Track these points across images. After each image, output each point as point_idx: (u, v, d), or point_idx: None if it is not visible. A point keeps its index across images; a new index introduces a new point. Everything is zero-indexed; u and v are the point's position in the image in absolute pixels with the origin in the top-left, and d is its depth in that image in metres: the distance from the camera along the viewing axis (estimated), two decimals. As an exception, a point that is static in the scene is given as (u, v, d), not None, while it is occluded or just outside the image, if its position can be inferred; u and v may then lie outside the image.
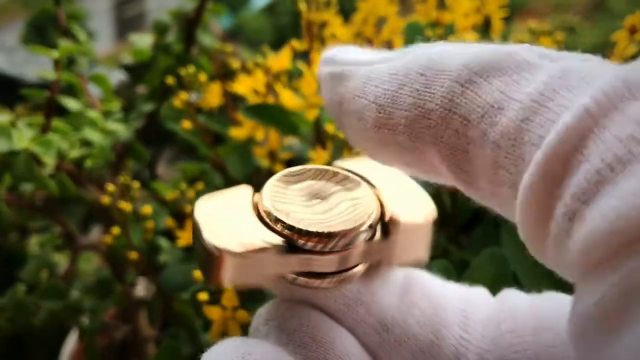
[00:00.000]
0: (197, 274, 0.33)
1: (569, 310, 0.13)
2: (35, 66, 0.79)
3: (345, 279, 0.17)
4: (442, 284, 0.18)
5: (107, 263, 0.48)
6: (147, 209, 0.40)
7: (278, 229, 0.16)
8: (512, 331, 0.17)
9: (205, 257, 0.15)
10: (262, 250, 0.15)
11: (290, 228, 0.16)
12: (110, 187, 0.38)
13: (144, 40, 0.45)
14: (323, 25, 0.35)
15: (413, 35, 0.44)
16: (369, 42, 0.47)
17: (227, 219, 0.16)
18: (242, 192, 0.17)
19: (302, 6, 0.35)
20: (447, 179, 0.15)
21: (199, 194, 0.41)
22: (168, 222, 0.40)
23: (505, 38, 0.48)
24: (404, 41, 0.47)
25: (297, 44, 0.36)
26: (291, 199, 0.17)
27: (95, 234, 0.58)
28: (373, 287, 0.17)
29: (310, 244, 0.16)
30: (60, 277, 0.49)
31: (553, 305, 0.17)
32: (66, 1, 0.47)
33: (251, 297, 0.34)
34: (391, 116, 0.15)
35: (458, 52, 0.14)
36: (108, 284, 0.48)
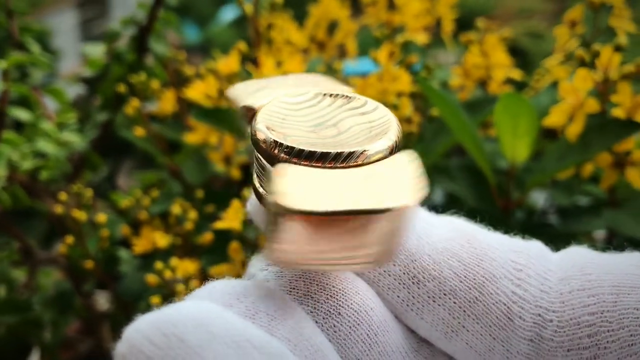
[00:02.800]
0: (151, 279, 0.33)
1: None
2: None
3: None
4: (486, 232, 0.15)
5: (66, 276, 0.48)
6: (101, 217, 0.39)
7: (279, 157, 0.14)
8: (584, 289, 0.14)
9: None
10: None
11: (289, 151, 0.14)
12: (63, 195, 0.38)
13: (96, 50, 0.44)
14: (270, 26, 0.36)
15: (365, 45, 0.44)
16: (321, 45, 0.47)
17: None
18: None
19: (248, 9, 0.36)
20: None
21: (154, 201, 0.41)
22: (124, 229, 0.40)
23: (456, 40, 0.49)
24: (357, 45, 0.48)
25: (243, 47, 0.36)
26: (293, 124, 0.15)
27: (56, 249, 0.58)
28: None
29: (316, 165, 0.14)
30: (18, 292, 0.49)
31: (635, 262, 0.14)
32: (25, 17, 0.47)
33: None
34: None
35: None
36: (68, 297, 0.47)
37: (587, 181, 0.36)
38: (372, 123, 0.15)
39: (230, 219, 0.31)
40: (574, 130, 0.31)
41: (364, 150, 0.14)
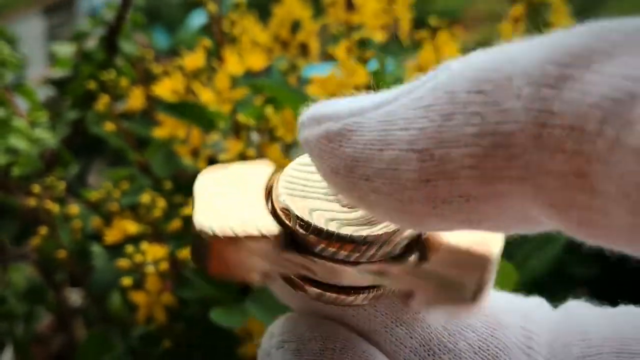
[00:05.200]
0: (122, 262, 0.34)
1: None
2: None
3: (384, 294, 0.13)
4: (497, 296, 0.15)
5: (37, 270, 0.49)
6: (73, 208, 0.41)
7: (295, 228, 0.13)
8: (584, 356, 0.14)
9: (195, 239, 0.13)
10: (256, 239, 0.12)
11: (317, 232, 0.12)
12: (36, 188, 0.39)
13: (65, 49, 0.46)
14: (233, 24, 0.38)
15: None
16: (285, 44, 0.50)
17: (230, 198, 0.13)
18: (258, 170, 0.14)
19: (212, 7, 0.38)
20: (546, 224, 0.11)
21: (124, 194, 0.43)
22: (95, 221, 0.41)
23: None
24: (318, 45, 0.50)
25: (207, 43, 0.38)
26: (313, 190, 0.13)
27: (28, 246, 0.59)
28: None
29: (343, 253, 0.12)
30: (-9, 287, 0.50)
31: (636, 324, 0.14)
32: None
33: (179, 282, 0.36)
34: (445, 159, 0.11)
35: (521, 51, 0.10)
36: (39, 291, 0.48)
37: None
38: None
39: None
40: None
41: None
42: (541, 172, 0.10)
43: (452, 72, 0.11)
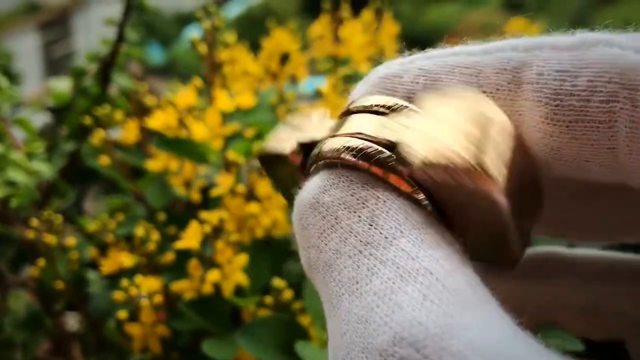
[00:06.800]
0: (118, 295, 0.36)
1: None
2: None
3: None
4: None
5: (36, 298, 0.50)
6: (70, 240, 0.42)
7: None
8: None
9: None
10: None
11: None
12: (35, 222, 0.40)
13: (62, 85, 0.48)
14: (221, 64, 0.39)
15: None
16: (274, 76, 0.51)
17: None
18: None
19: (202, 48, 0.39)
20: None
21: (119, 224, 0.44)
22: (91, 252, 0.43)
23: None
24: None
25: (198, 82, 0.40)
26: None
27: (26, 273, 0.60)
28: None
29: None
30: (-10, 314, 0.51)
31: None
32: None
33: (173, 314, 0.37)
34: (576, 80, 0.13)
35: None
36: (38, 318, 0.50)
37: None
38: None
39: (189, 239, 0.34)
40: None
41: None
42: None
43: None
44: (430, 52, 0.16)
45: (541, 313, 0.19)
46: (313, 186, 0.14)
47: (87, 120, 0.44)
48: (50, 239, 0.40)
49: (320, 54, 0.49)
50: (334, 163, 0.14)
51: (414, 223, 0.13)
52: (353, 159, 0.14)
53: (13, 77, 0.89)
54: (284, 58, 0.51)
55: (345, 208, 0.14)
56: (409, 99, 0.15)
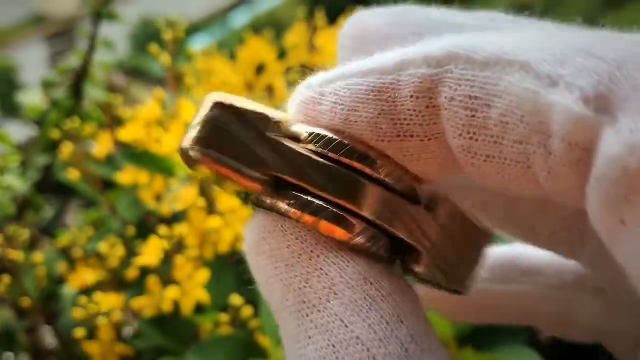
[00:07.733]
0: (76, 313, 0.35)
1: None
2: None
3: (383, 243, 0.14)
4: None
5: (11, 313, 0.50)
6: (38, 257, 0.41)
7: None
8: None
9: None
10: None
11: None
12: (0, 237, 0.40)
13: (33, 98, 0.47)
14: (182, 76, 0.39)
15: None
16: (250, 86, 0.51)
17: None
18: None
19: (166, 59, 0.39)
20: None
21: (90, 239, 0.43)
22: (61, 267, 0.42)
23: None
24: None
25: (160, 94, 0.39)
26: None
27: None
28: None
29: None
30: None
31: None
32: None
33: (135, 331, 0.36)
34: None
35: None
36: (13, 333, 0.49)
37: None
38: None
39: (149, 255, 0.33)
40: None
41: None
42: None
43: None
44: (349, 68, 0.14)
45: (520, 316, 0.20)
46: (256, 228, 0.14)
47: (56, 134, 0.43)
48: (16, 255, 0.39)
49: (295, 63, 0.48)
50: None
51: (347, 281, 0.13)
52: (285, 207, 0.14)
53: (18, 88, 0.89)
54: (260, 68, 0.51)
55: (282, 261, 0.14)
56: (334, 132, 0.14)
